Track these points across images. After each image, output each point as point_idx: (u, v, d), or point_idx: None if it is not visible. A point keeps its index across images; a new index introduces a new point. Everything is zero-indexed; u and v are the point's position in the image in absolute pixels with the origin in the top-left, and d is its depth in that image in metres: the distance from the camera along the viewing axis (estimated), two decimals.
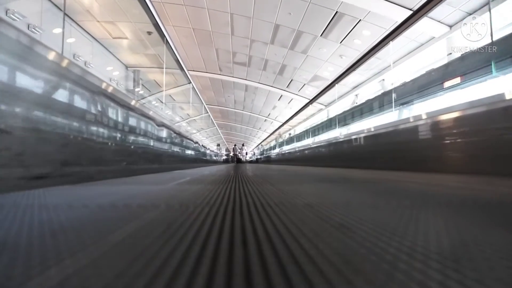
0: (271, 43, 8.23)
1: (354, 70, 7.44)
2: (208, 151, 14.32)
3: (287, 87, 11.49)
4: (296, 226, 0.75)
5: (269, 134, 20.47)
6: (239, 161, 24.73)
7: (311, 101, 10.93)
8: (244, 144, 27.49)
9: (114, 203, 1.18)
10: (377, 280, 0.42)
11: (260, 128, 21.22)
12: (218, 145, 26.74)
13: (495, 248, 0.56)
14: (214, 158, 17.39)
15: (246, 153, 28.82)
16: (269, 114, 16.51)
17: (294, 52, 8.44)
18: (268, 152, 21.56)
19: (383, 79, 7.95)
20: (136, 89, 9.22)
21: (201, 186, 2.00)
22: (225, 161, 23.84)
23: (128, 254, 0.53)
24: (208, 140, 21.82)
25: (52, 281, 0.42)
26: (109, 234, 0.68)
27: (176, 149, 5.80)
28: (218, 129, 21.81)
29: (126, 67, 9.03)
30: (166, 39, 6.82)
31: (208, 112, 14.93)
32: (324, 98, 10.62)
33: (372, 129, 4.56)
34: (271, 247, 0.57)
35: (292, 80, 10.65)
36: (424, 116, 3.22)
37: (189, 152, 7.85)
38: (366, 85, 8.95)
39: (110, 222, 0.83)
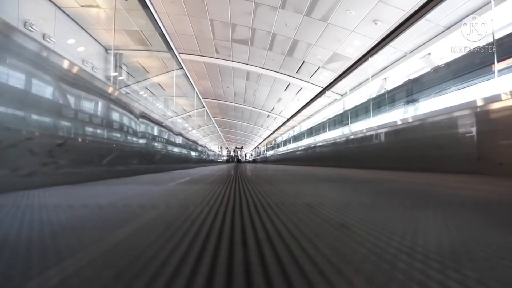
0: (281, 8, 6.34)
1: (392, 40, 5.58)
2: (211, 153, 16.37)
3: (296, 72, 9.59)
4: (296, 226, 0.74)
5: (270, 133, 19.49)
6: (238, 161, 28.93)
7: (326, 88, 9.06)
8: (243, 147, 32.24)
9: (114, 203, 1.17)
10: (377, 280, 0.41)
11: (262, 125, 19.56)
12: (221, 147, 30.41)
13: (495, 248, 0.55)
14: (217, 158, 19.35)
15: (245, 154, 33.80)
16: (273, 108, 14.65)
17: (311, 20, 6.54)
18: (264, 152, 22.09)
19: (429, 53, 6.05)
20: (118, 76, 7.40)
21: (201, 186, 2.02)
22: (226, 161, 26.80)
23: (128, 254, 0.53)
24: (207, 139, 20.34)
25: (52, 281, 0.41)
26: (109, 234, 0.67)
27: (196, 153, 8.36)
28: (216, 127, 20.27)
29: (106, 49, 7.30)
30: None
31: (204, 106, 13.07)
32: (340, 86, 8.74)
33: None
34: (271, 247, 0.56)
35: (304, 62, 8.75)
36: None
37: (203, 155, 10.81)
38: (399, 65, 7.06)
39: (110, 222, 0.83)
